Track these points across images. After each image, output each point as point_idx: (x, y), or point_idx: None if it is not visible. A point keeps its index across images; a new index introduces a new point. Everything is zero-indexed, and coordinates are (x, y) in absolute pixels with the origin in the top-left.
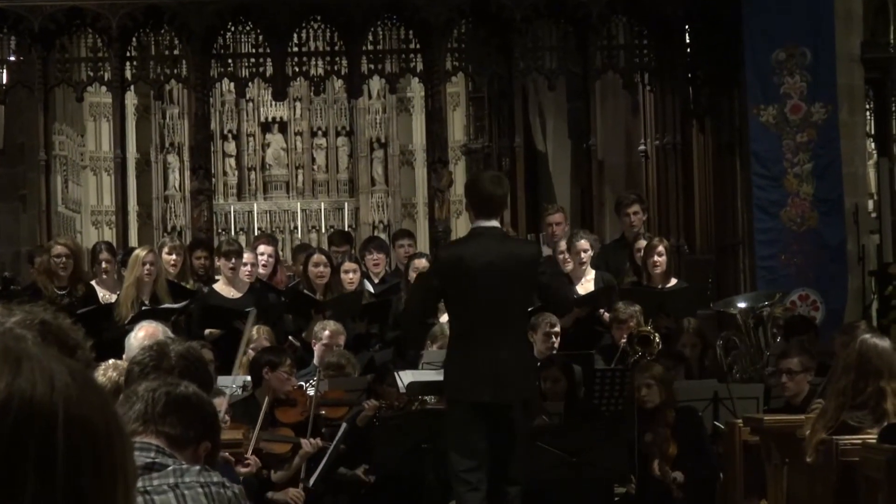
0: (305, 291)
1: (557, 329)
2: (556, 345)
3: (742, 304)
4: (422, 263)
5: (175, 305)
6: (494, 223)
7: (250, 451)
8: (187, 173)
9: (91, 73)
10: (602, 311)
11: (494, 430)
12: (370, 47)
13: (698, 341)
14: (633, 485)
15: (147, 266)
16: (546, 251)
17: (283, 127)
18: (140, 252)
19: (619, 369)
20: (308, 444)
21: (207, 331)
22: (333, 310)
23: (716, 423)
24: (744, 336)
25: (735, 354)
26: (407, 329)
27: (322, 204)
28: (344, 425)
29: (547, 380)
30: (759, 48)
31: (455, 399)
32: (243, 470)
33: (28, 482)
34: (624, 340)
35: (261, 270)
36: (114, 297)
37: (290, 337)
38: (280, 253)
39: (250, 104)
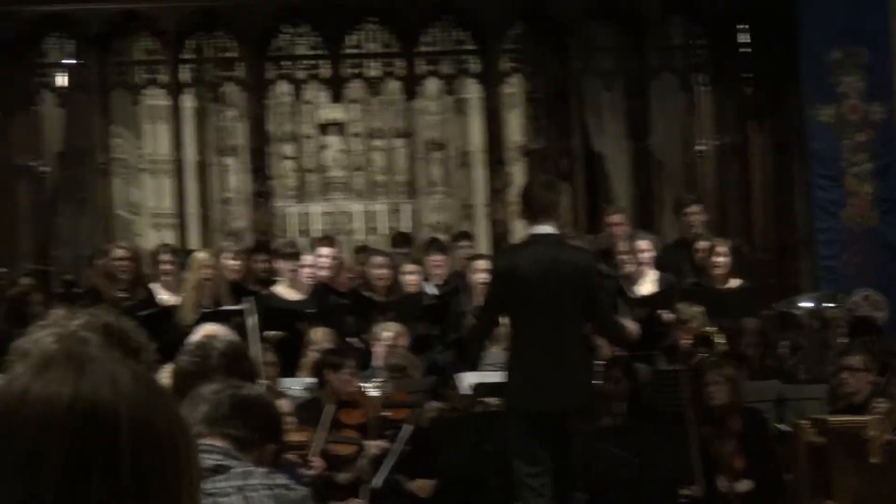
0: (366, 293)
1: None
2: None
3: (806, 305)
4: (482, 265)
5: (237, 307)
6: (549, 228)
7: (316, 453)
8: (246, 175)
9: (147, 76)
10: (663, 312)
11: (553, 438)
12: (426, 48)
13: (760, 341)
14: (697, 487)
15: (206, 269)
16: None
17: (340, 129)
18: (200, 255)
19: (682, 370)
20: (373, 446)
21: (269, 333)
22: (394, 311)
23: (778, 425)
24: (809, 337)
25: (800, 355)
26: (470, 343)
27: (381, 206)
28: (407, 427)
29: (610, 380)
30: (815, 47)
31: (513, 407)
32: (309, 472)
33: (93, 486)
34: (686, 341)
35: (322, 272)
36: (174, 300)
37: (349, 339)
38: (341, 254)
39: (307, 106)
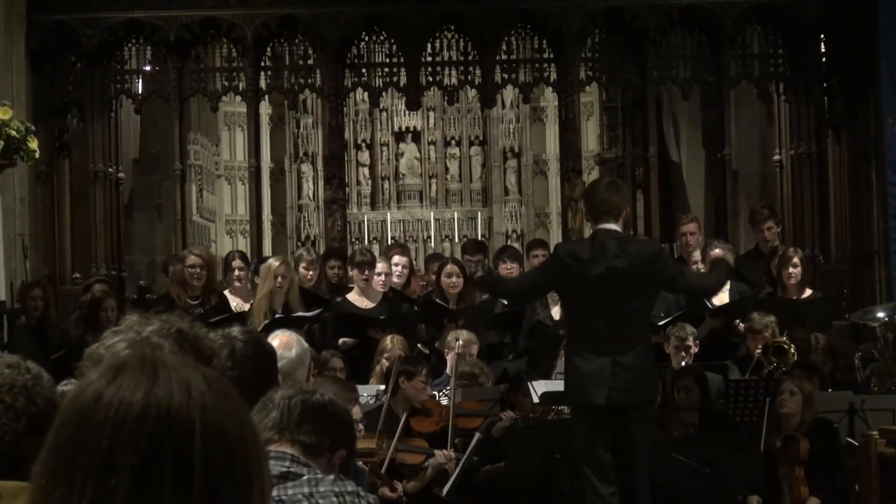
0: (438, 300)
1: (690, 342)
2: (690, 355)
3: (880, 315)
4: None
5: (307, 314)
6: (613, 226)
7: (387, 462)
8: (321, 182)
9: (226, 83)
10: (737, 321)
11: (616, 436)
12: (503, 57)
13: (828, 359)
14: (758, 498)
15: (279, 278)
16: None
17: (416, 136)
18: (273, 262)
19: (755, 380)
20: (441, 455)
21: (341, 340)
22: (466, 319)
23: (849, 439)
24: (882, 348)
25: (872, 367)
26: (493, 290)
27: (455, 213)
28: (477, 435)
29: (681, 390)
30: (894, 56)
31: (575, 403)
32: (390, 495)
33: (165, 490)
34: (759, 351)
35: (395, 280)
36: (246, 307)
37: (419, 345)
38: (413, 262)
39: (384, 113)
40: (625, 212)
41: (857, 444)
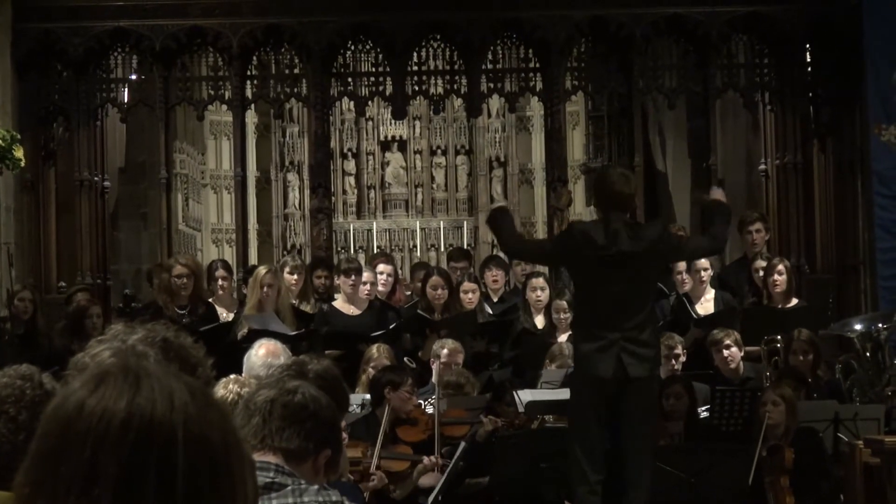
0: (421, 312)
1: (678, 350)
2: (678, 364)
3: (858, 327)
4: (539, 283)
5: (290, 333)
6: (621, 214)
7: (373, 468)
8: (307, 192)
9: (212, 92)
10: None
11: (617, 412)
12: (489, 66)
13: (809, 349)
14: None
15: (267, 287)
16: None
17: (402, 145)
18: (260, 271)
19: (740, 389)
20: (428, 461)
21: (327, 351)
22: (449, 329)
23: (834, 445)
24: (862, 360)
25: (853, 378)
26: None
27: (441, 222)
28: (463, 443)
29: (670, 397)
30: (880, 67)
31: (579, 375)
32: (370, 485)
33: (148, 499)
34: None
35: (379, 288)
36: (231, 316)
37: (406, 359)
38: (399, 271)
39: (370, 123)
40: (633, 203)
41: (842, 451)
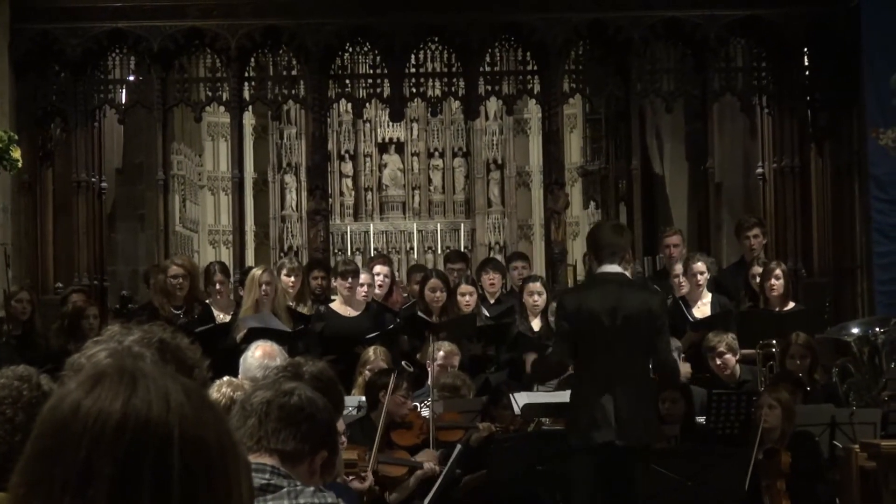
0: (419, 313)
1: (675, 353)
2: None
3: (855, 330)
4: (536, 287)
5: (288, 330)
6: (616, 268)
7: (369, 472)
8: (304, 193)
9: (209, 94)
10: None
11: (615, 479)
12: (487, 68)
13: (806, 352)
14: None
15: (264, 287)
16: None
17: (399, 148)
18: (257, 272)
19: (737, 392)
20: (427, 467)
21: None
22: (448, 332)
23: (830, 449)
24: (858, 363)
25: (850, 382)
26: (544, 374)
27: (438, 225)
28: (458, 447)
29: (666, 401)
30: (878, 71)
31: (576, 441)
32: (359, 485)
33: (143, 501)
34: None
35: (376, 290)
36: (228, 317)
37: (403, 363)
38: (396, 273)
39: (367, 125)
40: (627, 254)
41: (838, 455)
